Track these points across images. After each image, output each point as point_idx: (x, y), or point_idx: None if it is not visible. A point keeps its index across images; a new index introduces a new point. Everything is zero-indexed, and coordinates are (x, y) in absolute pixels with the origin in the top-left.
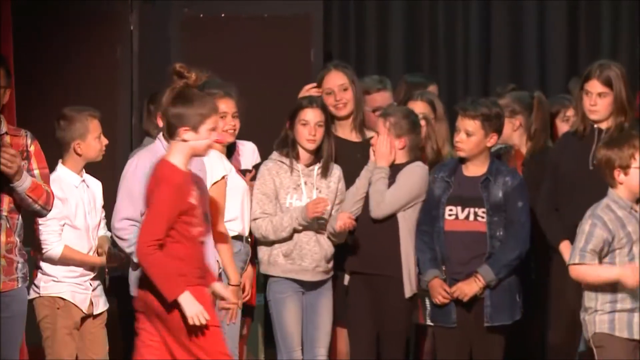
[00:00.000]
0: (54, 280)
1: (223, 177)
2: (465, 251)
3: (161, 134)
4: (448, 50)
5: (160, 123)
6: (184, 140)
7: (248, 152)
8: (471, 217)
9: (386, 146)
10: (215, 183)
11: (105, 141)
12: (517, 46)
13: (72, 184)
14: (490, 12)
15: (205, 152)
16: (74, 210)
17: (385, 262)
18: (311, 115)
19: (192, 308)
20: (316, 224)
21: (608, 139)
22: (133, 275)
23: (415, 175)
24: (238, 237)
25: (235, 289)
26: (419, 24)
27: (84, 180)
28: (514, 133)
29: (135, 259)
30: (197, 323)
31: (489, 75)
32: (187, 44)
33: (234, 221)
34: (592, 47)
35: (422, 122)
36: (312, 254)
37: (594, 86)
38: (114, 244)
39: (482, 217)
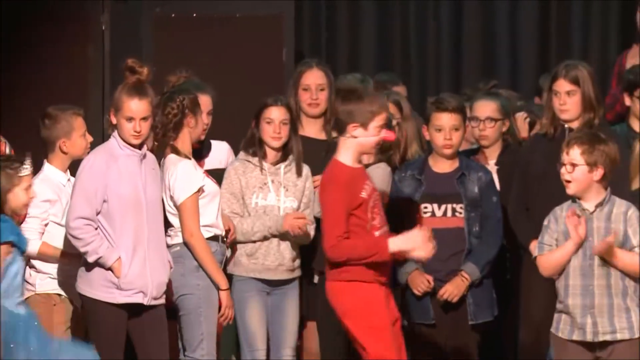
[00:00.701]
0: (50, 277)
1: (199, 189)
2: (444, 248)
3: (115, 131)
4: (419, 49)
5: (113, 120)
6: (353, 137)
7: (222, 152)
8: (449, 214)
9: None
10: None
11: (90, 138)
12: (489, 45)
13: (60, 183)
14: (462, 11)
15: (373, 149)
16: (64, 208)
17: None
18: (276, 114)
19: (407, 243)
20: (290, 235)
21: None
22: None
23: (378, 177)
24: (214, 238)
25: (227, 292)
26: (390, 23)
27: (69, 179)
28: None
29: (90, 259)
30: (422, 254)
31: (461, 73)
32: (159, 44)
33: (211, 223)
34: (563, 46)
35: (393, 122)
36: (275, 253)
37: (562, 85)
38: None
39: (460, 213)
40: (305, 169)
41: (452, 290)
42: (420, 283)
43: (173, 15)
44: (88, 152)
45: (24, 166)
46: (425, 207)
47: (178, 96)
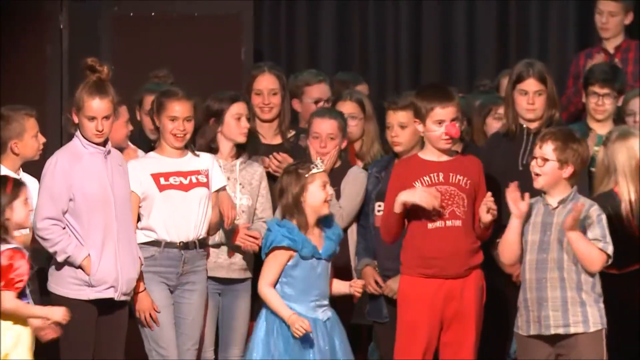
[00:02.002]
0: None
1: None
2: (395, 247)
3: (78, 131)
4: (378, 49)
5: (75, 119)
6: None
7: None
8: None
9: (333, 163)
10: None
11: (42, 139)
12: (447, 45)
13: None
14: (421, 11)
15: (438, 144)
16: None
17: None
18: (243, 109)
19: (411, 195)
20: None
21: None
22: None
23: (359, 182)
24: (153, 243)
25: (143, 294)
26: (349, 23)
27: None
28: None
29: (59, 258)
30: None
31: (420, 73)
32: (117, 43)
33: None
34: (522, 46)
35: (353, 122)
36: (227, 251)
37: (532, 85)
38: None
39: None
40: (260, 168)
41: (391, 286)
42: (368, 284)
43: (131, 14)
44: (40, 154)
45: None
46: (379, 206)
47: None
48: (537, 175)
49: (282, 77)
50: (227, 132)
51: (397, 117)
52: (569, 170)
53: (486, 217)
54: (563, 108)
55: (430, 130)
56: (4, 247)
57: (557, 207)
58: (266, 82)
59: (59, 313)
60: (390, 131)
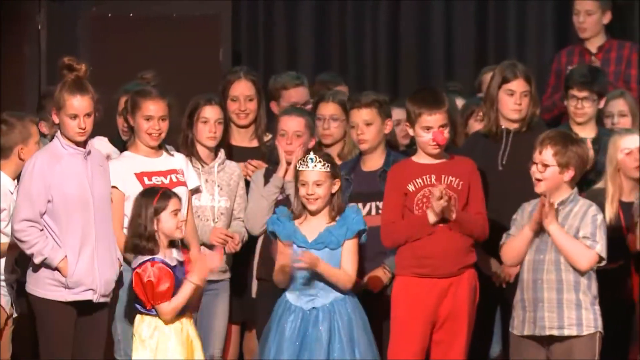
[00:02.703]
0: None
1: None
2: (370, 247)
3: (59, 131)
4: (357, 50)
5: (56, 119)
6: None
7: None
8: (373, 212)
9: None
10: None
11: (41, 145)
12: (425, 45)
13: (8, 191)
14: (399, 12)
15: (426, 149)
16: (8, 215)
17: None
18: (211, 113)
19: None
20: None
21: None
22: (31, 276)
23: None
24: None
25: None
26: (327, 24)
27: (16, 186)
28: None
29: (36, 260)
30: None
31: (398, 74)
32: (95, 44)
33: None
34: (499, 46)
35: (335, 124)
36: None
37: (519, 85)
38: None
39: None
40: (238, 169)
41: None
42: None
43: (109, 15)
44: None
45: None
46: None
47: None
48: (538, 180)
49: (257, 82)
50: (196, 135)
51: (361, 115)
52: (569, 174)
53: (437, 204)
54: (547, 110)
55: (418, 135)
56: (150, 258)
57: (556, 209)
58: (242, 89)
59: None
60: (355, 130)
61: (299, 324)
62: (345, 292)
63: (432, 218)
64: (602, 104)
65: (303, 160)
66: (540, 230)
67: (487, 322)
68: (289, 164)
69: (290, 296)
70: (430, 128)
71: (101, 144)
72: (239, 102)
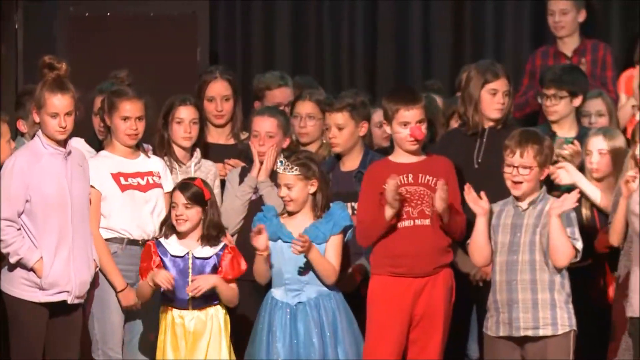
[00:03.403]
0: None
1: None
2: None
3: (39, 130)
4: (334, 50)
5: (36, 118)
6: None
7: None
8: (349, 213)
9: (273, 162)
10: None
11: (13, 144)
12: (403, 45)
13: None
14: (376, 12)
15: (403, 146)
16: None
17: None
18: (185, 113)
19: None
20: None
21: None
22: (6, 275)
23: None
24: (116, 240)
25: (123, 293)
26: (304, 24)
27: None
28: None
29: (11, 260)
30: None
31: (375, 74)
32: (73, 43)
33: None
34: (477, 46)
35: (312, 122)
36: None
37: (503, 85)
38: None
39: None
40: (214, 167)
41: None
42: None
43: (87, 14)
44: None
45: None
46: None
47: None
48: (519, 183)
49: (233, 82)
50: (171, 136)
51: (334, 119)
52: (546, 172)
53: (439, 204)
54: (518, 108)
55: (396, 132)
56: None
57: (527, 209)
58: (218, 89)
59: None
60: (328, 132)
61: (288, 320)
62: (330, 287)
63: (388, 212)
64: (576, 102)
65: (279, 162)
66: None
67: (465, 321)
68: (262, 163)
69: (276, 292)
70: (407, 124)
71: (77, 144)
72: (216, 103)
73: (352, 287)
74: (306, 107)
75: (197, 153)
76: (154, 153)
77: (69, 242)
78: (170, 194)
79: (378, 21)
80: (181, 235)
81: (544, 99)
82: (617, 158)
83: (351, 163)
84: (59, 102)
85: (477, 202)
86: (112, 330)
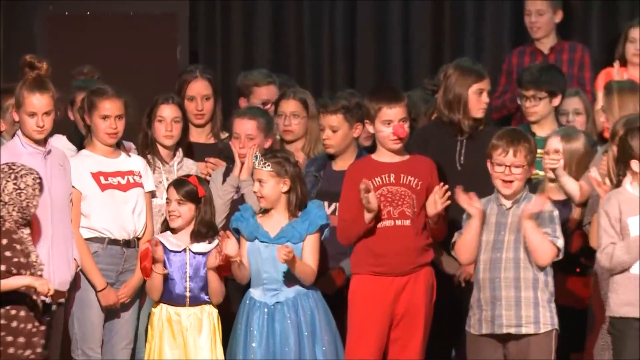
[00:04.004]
0: None
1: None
2: (330, 246)
3: (19, 130)
4: (314, 49)
5: (16, 117)
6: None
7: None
8: (337, 212)
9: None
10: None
11: None
12: (383, 45)
13: None
14: (356, 12)
15: (386, 144)
16: None
17: None
18: (167, 112)
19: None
20: None
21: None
22: None
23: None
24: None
25: (103, 293)
26: (284, 24)
27: None
28: None
29: None
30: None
31: (355, 74)
32: (53, 42)
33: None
34: (457, 44)
35: (296, 120)
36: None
37: (488, 84)
38: None
39: None
40: (195, 166)
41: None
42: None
43: (66, 13)
44: None
45: None
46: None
47: None
48: (510, 182)
49: (213, 81)
50: (154, 134)
51: (328, 121)
52: (532, 171)
53: (431, 209)
54: (496, 110)
55: (379, 130)
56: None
57: (511, 207)
58: (199, 88)
59: None
60: (322, 133)
61: (266, 319)
62: (308, 287)
63: (367, 216)
64: (556, 102)
65: (255, 157)
66: (494, 227)
67: (450, 321)
68: (243, 163)
69: (254, 292)
70: (390, 122)
71: (59, 141)
72: (196, 102)
73: (332, 289)
74: (290, 106)
75: (180, 152)
76: (138, 152)
77: (49, 241)
78: (166, 190)
79: (358, 20)
80: (175, 231)
81: (523, 100)
82: (572, 160)
83: (344, 163)
84: (38, 102)
85: (471, 203)
86: (92, 329)
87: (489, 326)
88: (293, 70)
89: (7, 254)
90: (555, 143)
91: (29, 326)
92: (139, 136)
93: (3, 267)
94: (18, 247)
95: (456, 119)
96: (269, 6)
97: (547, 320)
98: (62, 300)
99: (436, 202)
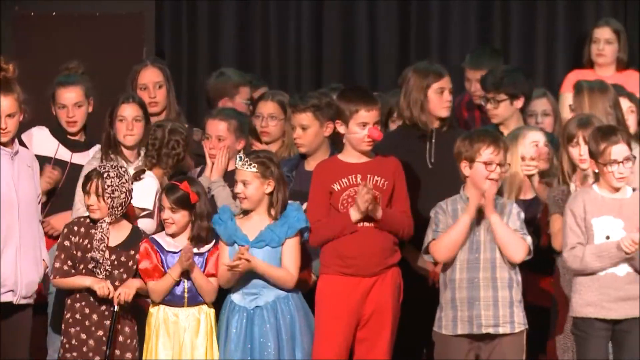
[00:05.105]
0: None
1: None
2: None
3: None
4: (280, 48)
5: None
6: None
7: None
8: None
9: (225, 162)
10: None
11: None
12: (349, 45)
13: None
14: (322, 12)
15: (359, 146)
16: None
17: None
18: (128, 111)
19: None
20: None
21: (462, 135)
22: None
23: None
24: None
25: None
26: (251, 23)
27: None
28: None
29: None
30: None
31: (321, 74)
32: (19, 42)
33: None
34: (423, 45)
35: (273, 122)
36: None
37: (449, 82)
38: None
39: None
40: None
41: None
42: None
43: (32, 13)
44: None
45: None
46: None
47: None
48: (496, 180)
49: (166, 70)
50: (116, 134)
51: (298, 119)
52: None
53: (362, 206)
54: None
55: (353, 132)
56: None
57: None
58: (150, 76)
59: None
60: (294, 132)
61: (244, 324)
62: (288, 290)
63: (355, 216)
64: (518, 104)
65: (238, 158)
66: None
67: (421, 321)
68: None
69: (234, 296)
70: (366, 124)
71: (41, 133)
72: (149, 90)
73: (305, 288)
74: (268, 107)
75: (143, 152)
76: (101, 153)
77: (16, 241)
78: (159, 195)
79: (324, 20)
80: (172, 235)
81: (485, 102)
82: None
83: (316, 163)
84: (1, 104)
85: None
86: None
87: (466, 326)
88: (259, 70)
89: None
90: (529, 148)
91: None
92: (102, 136)
93: None
94: None
95: (419, 120)
96: (235, 6)
97: (520, 319)
98: (28, 301)
99: (357, 203)
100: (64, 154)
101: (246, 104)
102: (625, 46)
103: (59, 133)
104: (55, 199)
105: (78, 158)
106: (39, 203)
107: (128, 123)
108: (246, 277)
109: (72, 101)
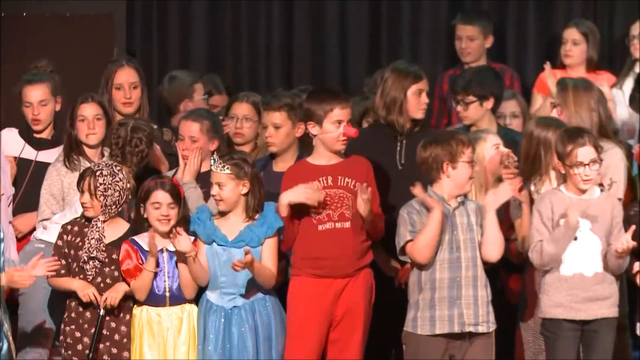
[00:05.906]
0: None
1: None
2: None
3: None
4: (250, 50)
5: None
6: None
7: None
8: None
9: (197, 163)
10: None
11: None
12: (319, 45)
13: None
14: (293, 12)
15: (334, 145)
16: None
17: None
18: (88, 111)
19: (296, 194)
20: None
21: (431, 137)
22: None
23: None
24: None
25: None
26: (221, 24)
27: None
28: None
29: None
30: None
31: (292, 74)
32: None
33: None
34: (394, 46)
35: (247, 124)
36: None
37: (426, 84)
38: None
39: None
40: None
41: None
42: None
43: (2, 14)
44: None
45: None
46: None
47: None
48: (472, 178)
49: (140, 71)
50: (77, 135)
51: (271, 118)
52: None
53: (363, 207)
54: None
55: (327, 131)
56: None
57: (457, 208)
58: (126, 76)
59: None
60: (265, 131)
61: (222, 323)
62: (266, 291)
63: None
64: (488, 105)
65: (212, 160)
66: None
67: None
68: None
69: (211, 296)
70: (341, 122)
71: (9, 134)
72: (124, 90)
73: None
74: (243, 109)
75: (107, 151)
76: (64, 154)
77: None
78: (146, 191)
79: (294, 21)
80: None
81: (456, 104)
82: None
83: (284, 164)
84: None
85: (433, 200)
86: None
87: (446, 325)
88: (229, 71)
89: None
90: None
91: None
92: (63, 138)
93: None
94: None
95: (395, 120)
96: (206, 6)
97: (492, 319)
98: None
99: (359, 205)
100: (30, 152)
101: (204, 100)
102: (596, 47)
103: (26, 132)
104: (20, 198)
105: (44, 156)
106: (8, 205)
107: (89, 122)
108: (224, 276)
109: (37, 99)
